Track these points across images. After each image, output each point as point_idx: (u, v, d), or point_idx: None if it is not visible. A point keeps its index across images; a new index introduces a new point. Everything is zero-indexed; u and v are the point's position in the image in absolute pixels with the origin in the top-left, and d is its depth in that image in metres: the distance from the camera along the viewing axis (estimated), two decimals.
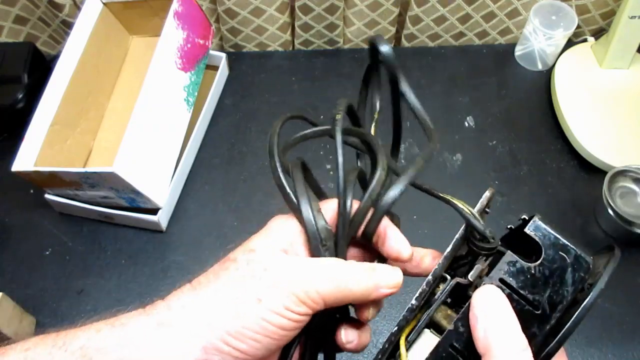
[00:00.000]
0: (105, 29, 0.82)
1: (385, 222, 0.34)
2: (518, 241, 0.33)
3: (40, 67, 0.85)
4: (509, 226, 0.36)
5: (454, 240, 0.33)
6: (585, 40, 0.91)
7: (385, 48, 0.33)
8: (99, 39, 0.81)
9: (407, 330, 0.33)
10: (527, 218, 0.34)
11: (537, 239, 0.33)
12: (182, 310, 0.30)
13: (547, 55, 0.88)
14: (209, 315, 0.30)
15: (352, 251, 0.36)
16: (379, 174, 0.34)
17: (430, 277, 0.32)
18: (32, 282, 0.70)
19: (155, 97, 0.71)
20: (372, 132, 0.39)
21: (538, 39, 0.86)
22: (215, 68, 0.87)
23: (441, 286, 0.33)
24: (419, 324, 0.33)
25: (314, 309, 0.31)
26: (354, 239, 0.34)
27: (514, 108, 0.86)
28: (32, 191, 0.78)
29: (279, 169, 0.33)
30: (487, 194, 0.35)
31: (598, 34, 0.93)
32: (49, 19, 0.90)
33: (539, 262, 0.32)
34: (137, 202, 0.71)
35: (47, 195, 0.73)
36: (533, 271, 0.31)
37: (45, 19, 0.90)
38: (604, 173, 0.72)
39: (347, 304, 0.33)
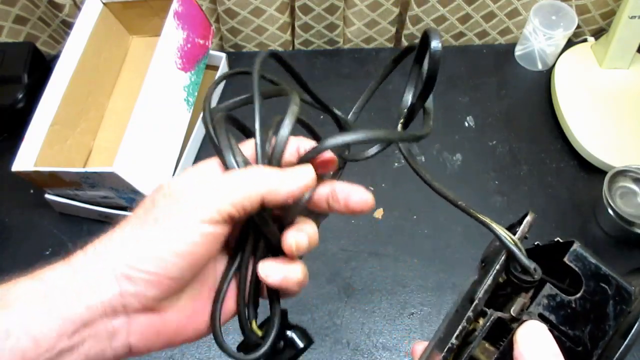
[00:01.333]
0: (105, 29, 0.82)
1: (340, 184, 0.36)
2: (545, 259, 0.32)
3: (40, 67, 0.85)
4: (536, 243, 0.35)
5: (494, 271, 0.31)
6: (585, 40, 0.91)
7: (437, 44, 0.32)
8: (99, 39, 0.81)
9: None
10: (561, 241, 0.33)
11: (577, 269, 0.31)
12: (95, 252, 0.31)
13: (547, 55, 0.88)
14: (115, 249, 0.31)
15: None
16: (292, 107, 0.37)
17: (470, 313, 0.31)
18: None
19: (155, 97, 0.71)
20: (399, 128, 0.39)
21: (538, 39, 0.86)
22: (215, 68, 0.87)
23: (481, 321, 0.31)
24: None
25: (221, 214, 0.30)
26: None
27: (514, 108, 0.86)
28: (32, 191, 0.78)
29: (209, 123, 0.36)
30: (528, 219, 0.33)
31: (598, 34, 0.93)
32: (49, 19, 0.90)
33: (579, 294, 0.30)
34: (137, 202, 0.71)
35: (47, 195, 0.73)
36: (574, 305, 0.30)
37: (45, 19, 0.90)
38: (604, 173, 0.72)
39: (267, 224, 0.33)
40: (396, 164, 0.80)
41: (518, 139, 0.83)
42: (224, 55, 0.87)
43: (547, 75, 0.90)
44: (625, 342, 0.29)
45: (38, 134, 0.72)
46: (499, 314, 0.31)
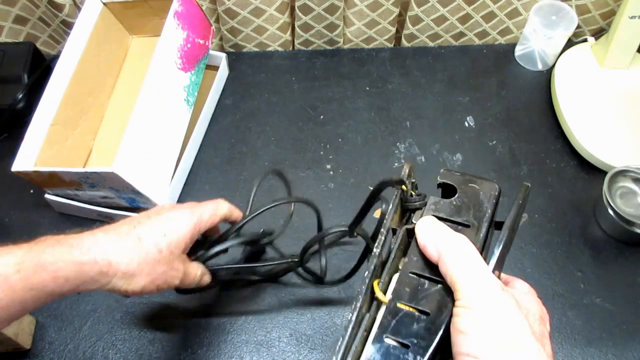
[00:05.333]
0: (105, 29, 0.82)
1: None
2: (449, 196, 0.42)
3: (40, 67, 0.85)
4: (438, 188, 0.43)
5: (394, 199, 0.42)
6: (585, 40, 0.91)
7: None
8: (99, 39, 0.81)
9: (377, 280, 0.39)
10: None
11: (449, 182, 0.41)
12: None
13: (547, 55, 0.88)
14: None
15: None
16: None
17: (382, 229, 0.40)
18: None
19: (155, 97, 0.71)
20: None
21: (538, 39, 0.86)
22: (215, 68, 0.87)
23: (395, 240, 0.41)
24: (385, 271, 0.39)
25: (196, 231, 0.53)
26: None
27: (514, 108, 0.86)
28: (32, 191, 0.78)
29: None
30: (405, 168, 0.44)
31: (598, 34, 0.93)
32: (49, 19, 0.90)
33: (456, 196, 0.40)
34: (137, 202, 0.71)
35: (47, 195, 0.73)
36: (455, 203, 0.40)
37: (45, 19, 0.90)
38: (604, 173, 0.72)
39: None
40: (396, 164, 0.80)
41: (518, 139, 0.83)
42: (224, 55, 0.87)
43: (547, 75, 0.90)
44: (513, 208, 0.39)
45: (38, 134, 0.72)
46: (406, 226, 0.41)
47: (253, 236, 0.63)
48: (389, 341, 0.35)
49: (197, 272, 0.55)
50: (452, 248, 0.36)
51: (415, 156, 0.81)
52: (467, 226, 0.38)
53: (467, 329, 0.32)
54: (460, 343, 0.32)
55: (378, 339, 0.35)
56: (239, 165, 0.80)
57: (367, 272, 0.38)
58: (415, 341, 0.34)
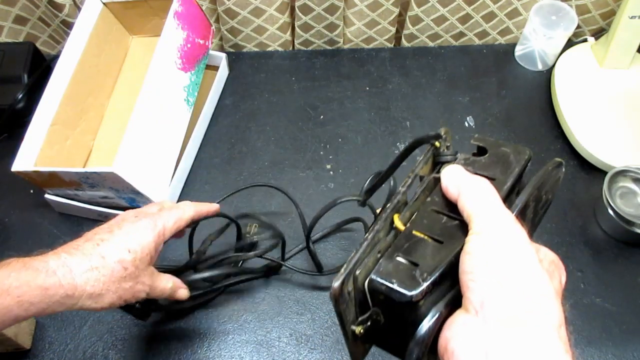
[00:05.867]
0: (105, 29, 0.82)
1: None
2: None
3: (40, 67, 0.85)
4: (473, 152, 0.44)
5: (426, 152, 0.43)
6: (585, 40, 0.91)
7: None
8: (99, 39, 0.81)
9: (398, 214, 0.39)
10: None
11: (482, 144, 0.41)
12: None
13: (547, 55, 0.88)
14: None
15: None
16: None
17: (411, 173, 0.41)
18: None
19: (155, 97, 0.71)
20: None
21: (538, 39, 0.86)
22: (215, 68, 0.87)
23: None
24: (406, 208, 0.40)
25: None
26: None
27: (514, 108, 0.86)
28: (32, 191, 0.78)
29: None
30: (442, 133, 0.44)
31: (598, 34, 0.93)
32: (49, 19, 0.90)
33: (486, 155, 0.41)
34: (137, 202, 0.71)
35: (47, 195, 0.73)
36: (484, 160, 0.40)
37: (45, 19, 0.90)
38: (604, 173, 0.72)
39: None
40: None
41: (518, 139, 0.83)
42: (224, 55, 0.87)
43: (547, 75, 0.90)
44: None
45: (38, 134, 0.72)
46: (433, 174, 0.41)
47: (239, 257, 0.66)
48: (400, 259, 0.35)
49: (167, 285, 0.54)
50: (472, 185, 0.36)
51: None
52: (493, 179, 0.38)
53: (472, 250, 0.32)
54: (464, 262, 0.32)
55: (389, 257, 0.36)
56: (239, 165, 0.80)
57: (389, 204, 0.39)
58: (425, 261, 0.35)
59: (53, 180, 0.69)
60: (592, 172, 0.79)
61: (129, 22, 0.86)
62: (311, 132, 0.83)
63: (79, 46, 0.77)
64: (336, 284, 0.35)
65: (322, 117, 0.85)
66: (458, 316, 0.32)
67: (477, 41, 0.95)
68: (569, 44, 0.89)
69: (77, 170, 0.65)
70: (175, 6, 0.75)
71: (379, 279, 0.35)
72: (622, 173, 0.73)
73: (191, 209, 0.57)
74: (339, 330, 0.67)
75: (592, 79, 0.85)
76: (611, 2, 0.88)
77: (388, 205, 0.39)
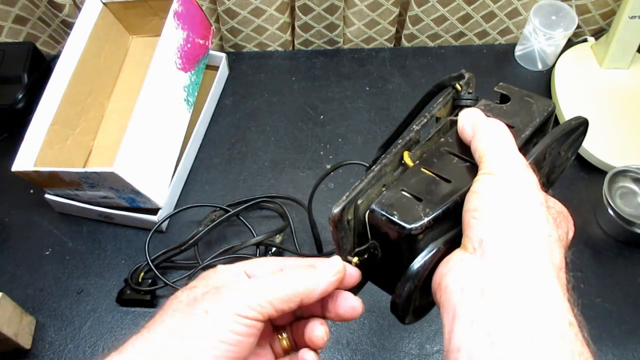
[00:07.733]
0: (105, 29, 0.82)
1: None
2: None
3: (40, 67, 0.85)
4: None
5: (446, 94, 0.42)
6: (585, 40, 0.91)
7: None
8: (99, 39, 0.81)
9: (408, 152, 0.38)
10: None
11: (505, 92, 0.40)
12: (133, 354, 0.32)
13: (547, 55, 0.88)
14: (157, 349, 0.31)
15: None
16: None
17: (427, 113, 0.40)
18: (32, 282, 0.70)
19: (155, 97, 0.71)
20: None
21: (538, 39, 0.86)
22: (215, 68, 0.87)
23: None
24: (417, 147, 0.39)
25: (263, 315, 0.33)
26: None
27: None
28: (32, 191, 0.78)
29: None
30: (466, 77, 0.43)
31: (598, 34, 0.93)
32: (49, 19, 0.90)
33: (509, 104, 0.39)
34: (137, 202, 0.71)
35: (47, 195, 0.73)
36: (505, 108, 0.39)
37: (45, 19, 0.90)
38: (604, 173, 0.72)
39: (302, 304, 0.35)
40: None
41: None
42: (224, 55, 0.87)
43: (547, 75, 0.90)
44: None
45: (38, 134, 0.72)
46: (450, 117, 0.40)
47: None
48: (404, 193, 0.35)
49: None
50: (487, 126, 0.35)
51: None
52: (512, 127, 0.37)
53: (479, 189, 0.32)
54: (469, 200, 0.32)
55: (394, 190, 0.35)
56: (239, 165, 0.80)
57: (400, 140, 0.38)
58: (430, 197, 0.34)
59: (53, 180, 0.69)
60: (592, 172, 0.79)
61: (129, 22, 0.86)
62: (311, 132, 0.83)
63: (79, 46, 0.77)
64: (336, 209, 0.34)
65: (322, 117, 0.85)
66: (456, 254, 0.32)
67: (477, 41, 0.95)
68: (569, 44, 0.89)
69: (77, 170, 0.65)
70: (175, 6, 0.75)
71: (380, 210, 0.34)
72: (622, 173, 0.73)
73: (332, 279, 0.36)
74: (339, 330, 0.67)
75: (592, 79, 0.85)
76: (611, 2, 0.88)
77: (399, 141, 0.38)
